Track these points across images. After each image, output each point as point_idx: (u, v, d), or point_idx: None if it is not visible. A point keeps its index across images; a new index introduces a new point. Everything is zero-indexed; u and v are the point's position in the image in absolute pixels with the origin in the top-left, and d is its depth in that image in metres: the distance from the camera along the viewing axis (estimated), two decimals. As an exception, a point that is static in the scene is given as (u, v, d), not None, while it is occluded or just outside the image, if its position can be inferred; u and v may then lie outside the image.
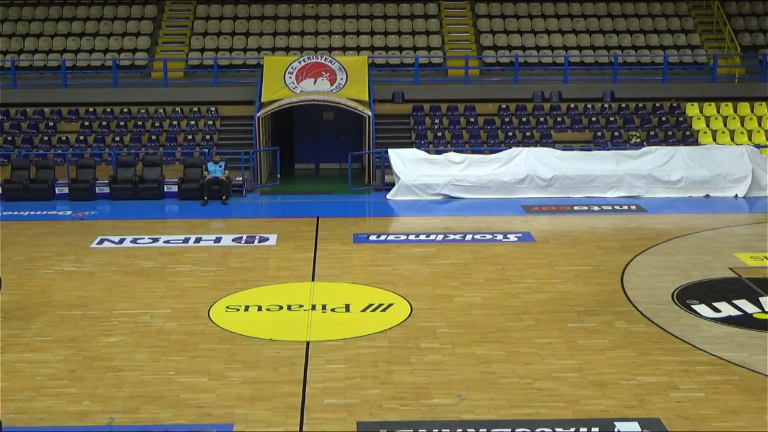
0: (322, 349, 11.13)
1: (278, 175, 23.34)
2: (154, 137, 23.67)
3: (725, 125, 24.02)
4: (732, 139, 23.50)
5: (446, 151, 21.94)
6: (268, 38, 27.12)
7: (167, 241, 16.86)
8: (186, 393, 9.83)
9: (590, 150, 22.26)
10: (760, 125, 23.97)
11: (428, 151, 22.01)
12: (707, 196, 20.96)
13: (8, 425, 9.03)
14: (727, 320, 12.13)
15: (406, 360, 10.75)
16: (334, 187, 22.83)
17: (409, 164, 21.29)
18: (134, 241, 16.90)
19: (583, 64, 26.30)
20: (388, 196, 21.02)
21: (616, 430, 8.90)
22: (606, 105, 24.72)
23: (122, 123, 24.11)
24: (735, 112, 24.37)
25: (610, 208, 19.91)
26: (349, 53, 26.16)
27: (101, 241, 16.87)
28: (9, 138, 23.60)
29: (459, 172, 21.17)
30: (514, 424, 9.00)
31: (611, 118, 24.31)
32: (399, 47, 26.84)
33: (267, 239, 16.94)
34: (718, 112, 24.41)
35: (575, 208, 19.92)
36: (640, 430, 8.89)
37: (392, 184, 21.26)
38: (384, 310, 12.72)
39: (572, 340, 11.39)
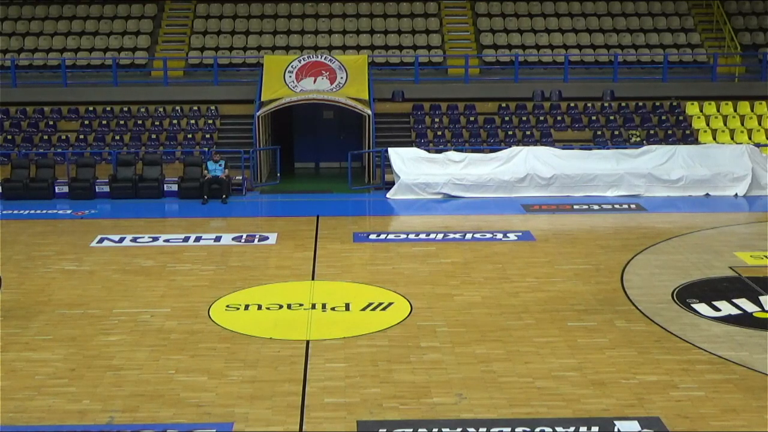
0: (322, 348, 11.13)
1: (278, 174, 23.34)
2: (154, 136, 23.67)
3: (725, 124, 24.02)
4: (732, 138, 23.49)
5: (446, 150, 21.92)
6: (268, 37, 27.12)
7: (167, 240, 16.86)
8: (186, 392, 9.83)
9: (590, 149, 22.25)
10: (760, 124, 23.97)
11: (428, 150, 22.00)
12: (707, 195, 20.96)
13: (8, 424, 9.04)
14: (727, 319, 12.13)
15: (406, 359, 10.75)
16: (334, 186, 22.82)
17: (409, 163, 21.29)
18: (134, 240, 16.90)
19: (583, 63, 26.29)
20: (388, 195, 21.02)
21: (616, 429, 8.90)
22: (606, 104, 24.72)
23: (122, 122, 24.11)
24: (735, 111, 24.37)
25: (610, 207, 19.90)
26: (349, 52, 26.16)
27: (101, 240, 16.87)
28: (9, 137, 23.59)
29: (459, 171, 21.16)
30: (514, 423, 9.00)
31: (611, 117, 24.30)
32: (399, 46, 26.83)
33: (267, 238, 16.93)
34: (718, 111, 24.41)
35: (575, 207, 19.92)
36: (640, 429, 8.89)
37: (392, 183, 21.26)
38: (384, 309, 12.72)
39: (572, 339, 11.39)
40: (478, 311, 12.52)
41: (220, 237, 17.08)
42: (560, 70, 25.84)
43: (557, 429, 8.85)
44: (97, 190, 21.16)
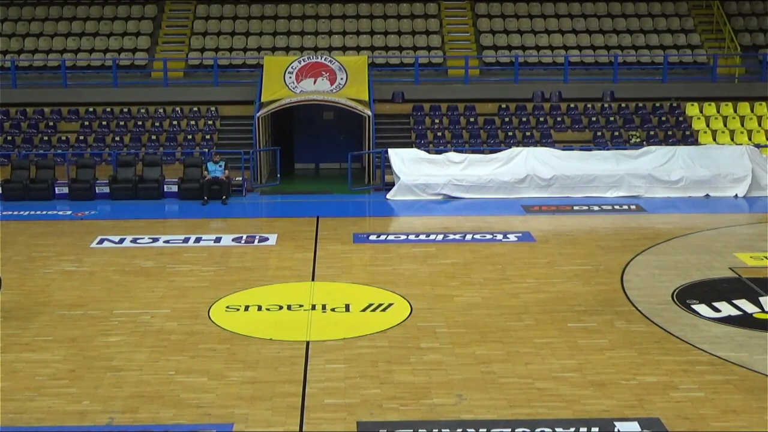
0: (322, 348, 11.12)
1: (278, 175, 23.35)
2: (154, 137, 23.68)
3: (725, 125, 24.02)
4: (732, 139, 23.50)
5: (446, 151, 21.94)
6: (267, 38, 27.13)
7: (167, 241, 16.86)
8: (186, 393, 9.82)
9: (590, 150, 22.26)
10: (759, 125, 23.98)
11: (428, 151, 22.01)
12: (707, 195, 20.96)
13: (8, 425, 9.04)
14: (727, 320, 12.13)
15: (406, 360, 10.75)
16: (334, 187, 22.83)
17: (409, 164, 21.29)
18: (134, 240, 16.90)
19: (583, 63, 26.30)
20: (388, 196, 21.02)
21: (615, 429, 8.90)
22: (606, 105, 24.72)
23: (122, 123, 24.12)
24: (735, 111, 24.38)
25: (610, 207, 19.91)
26: (349, 53, 26.16)
27: (101, 241, 16.87)
28: (9, 138, 23.60)
29: (459, 171, 21.17)
30: (514, 423, 9.00)
31: (611, 118, 24.31)
32: (399, 47, 26.84)
33: (267, 239, 16.94)
34: (718, 111, 24.42)
35: (575, 207, 19.92)
36: (640, 429, 8.89)
37: (392, 184, 21.26)
38: (384, 309, 12.72)
39: (572, 339, 11.39)
40: (478, 312, 12.52)
41: (220, 238, 17.09)
42: (560, 71, 25.84)
43: (557, 430, 8.85)
44: (97, 191, 21.16)
